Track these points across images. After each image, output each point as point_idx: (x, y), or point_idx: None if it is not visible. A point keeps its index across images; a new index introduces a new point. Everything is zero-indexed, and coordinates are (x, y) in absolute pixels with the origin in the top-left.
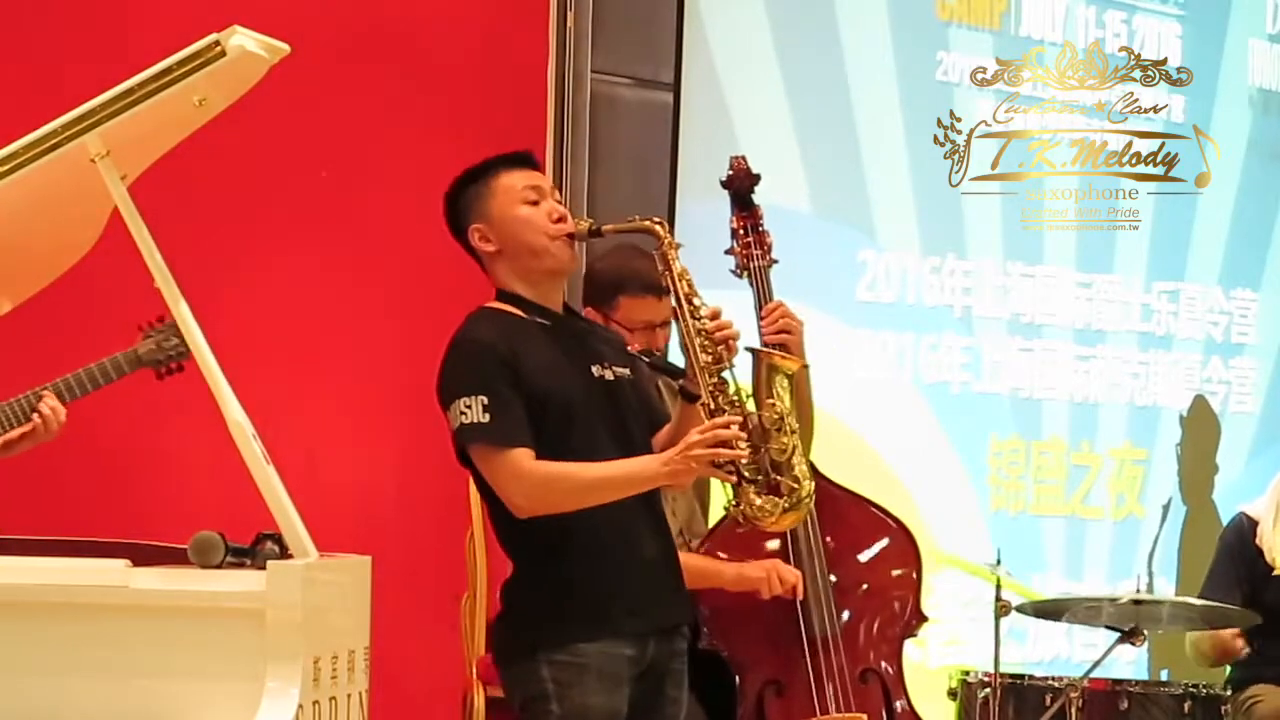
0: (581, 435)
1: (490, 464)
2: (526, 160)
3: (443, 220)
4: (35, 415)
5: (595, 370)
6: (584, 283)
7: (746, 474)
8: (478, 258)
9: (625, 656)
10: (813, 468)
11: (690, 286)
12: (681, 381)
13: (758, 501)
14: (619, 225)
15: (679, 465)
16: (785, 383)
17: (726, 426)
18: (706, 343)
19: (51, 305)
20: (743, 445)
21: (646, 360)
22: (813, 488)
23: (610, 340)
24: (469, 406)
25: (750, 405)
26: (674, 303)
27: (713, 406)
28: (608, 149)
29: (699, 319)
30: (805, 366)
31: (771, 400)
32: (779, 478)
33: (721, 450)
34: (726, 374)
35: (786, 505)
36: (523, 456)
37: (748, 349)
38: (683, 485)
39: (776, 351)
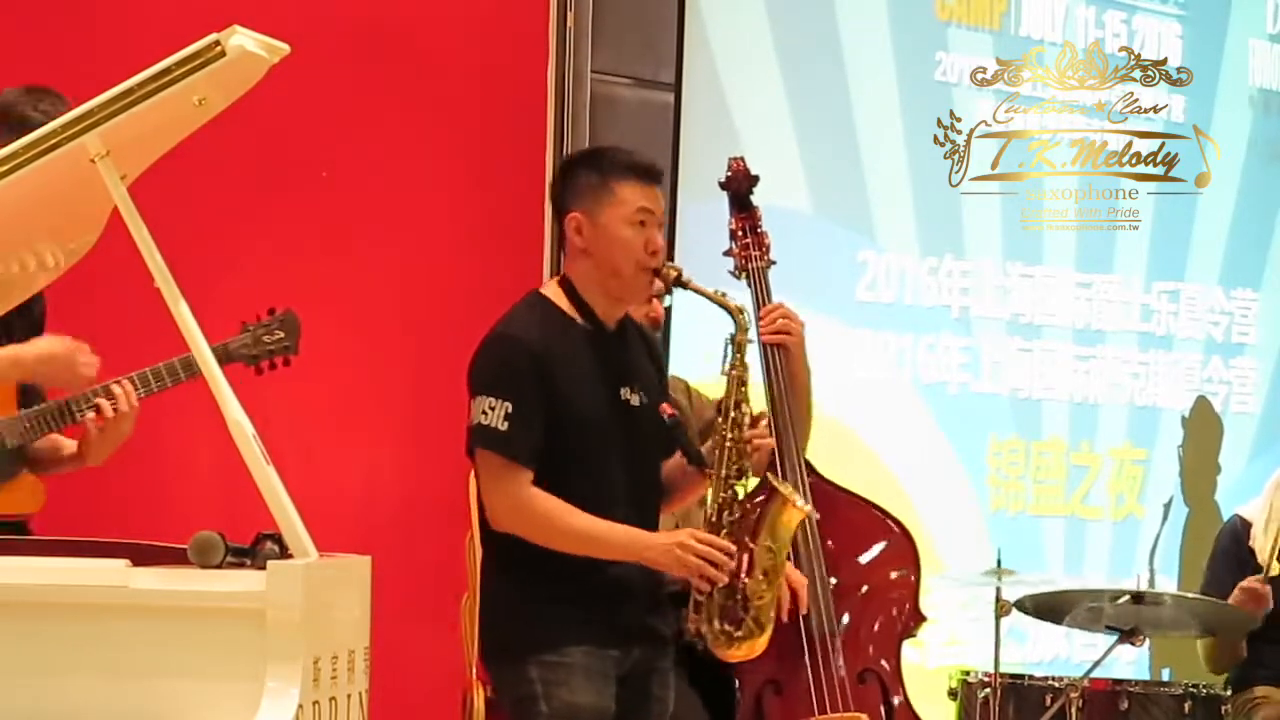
0: (591, 455)
1: (491, 472)
2: (653, 177)
3: (442, 219)
4: (101, 403)
5: (624, 393)
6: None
7: (717, 597)
8: (562, 237)
9: (611, 657)
10: (812, 469)
11: (745, 389)
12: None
13: (715, 625)
14: (705, 291)
15: (663, 558)
16: (786, 533)
17: (725, 552)
18: (735, 454)
19: (51, 305)
20: (725, 573)
21: (674, 430)
22: (767, 639)
23: (650, 365)
24: (491, 408)
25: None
26: (726, 398)
27: (715, 520)
28: None
29: (739, 427)
30: (811, 515)
31: (769, 544)
32: (743, 614)
33: (708, 569)
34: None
35: (739, 638)
36: (525, 477)
37: (769, 477)
38: (661, 569)
39: (793, 495)
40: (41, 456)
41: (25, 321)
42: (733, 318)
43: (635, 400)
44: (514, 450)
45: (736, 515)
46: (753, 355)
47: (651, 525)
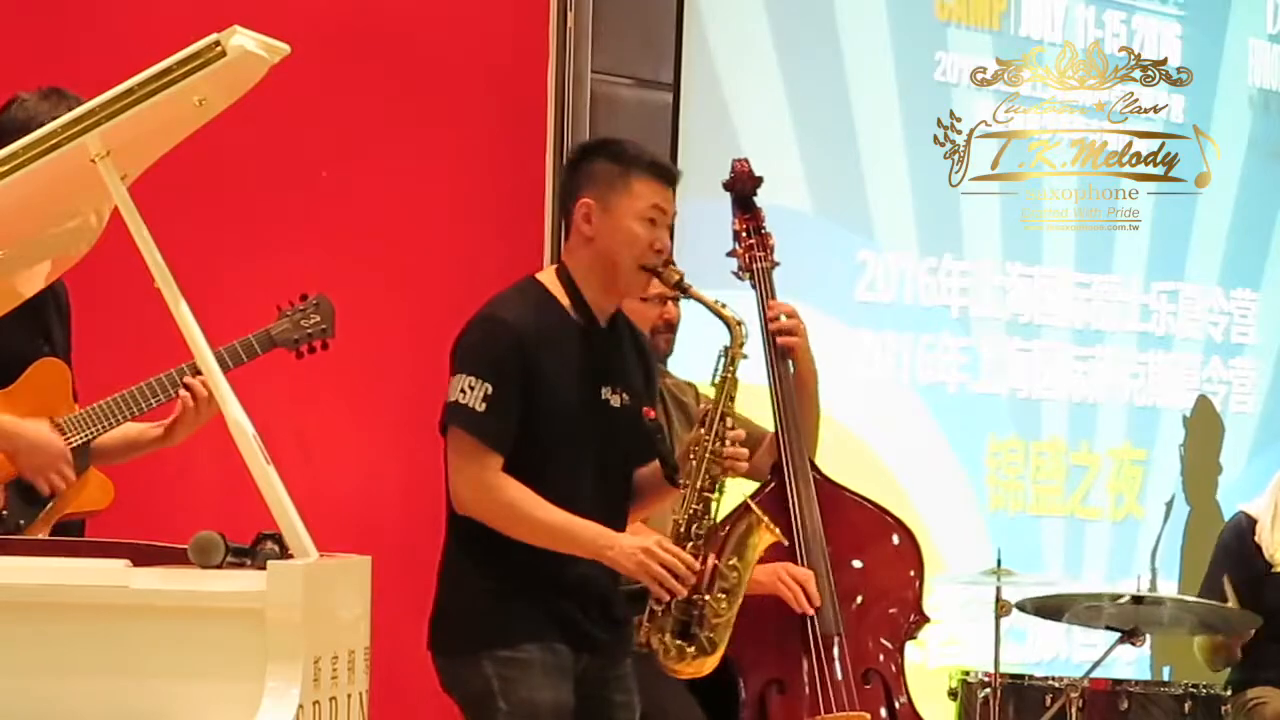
0: (561, 448)
1: (461, 452)
2: (670, 179)
3: (442, 220)
4: (182, 391)
5: (604, 392)
6: None
7: (674, 610)
8: (568, 220)
9: (567, 655)
10: (815, 468)
11: (732, 403)
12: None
13: (666, 639)
14: (705, 300)
15: (626, 561)
16: (754, 555)
17: (689, 566)
18: (713, 465)
19: None
20: (686, 587)
21: (653, 435)
22: (717, 660)
23: (637, 366)
24: (471, 388)
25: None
26: (711, 409)
27: (683, 530)
28: None
29: (721, 440)
30: (777, 542)
31: (734, 564)
32: (698, 630)
33: (669, 580)
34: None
35: (690, 654)
36: (495, 462)
37: (746, 500)
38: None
39: (765, 517)
40: (109, 448)
41: (61, 321)
42: (729, 329)
43: (616, 401)
44: (487, 433)
45: (705, 530)
46: (757, 357)
47: (618, 528)
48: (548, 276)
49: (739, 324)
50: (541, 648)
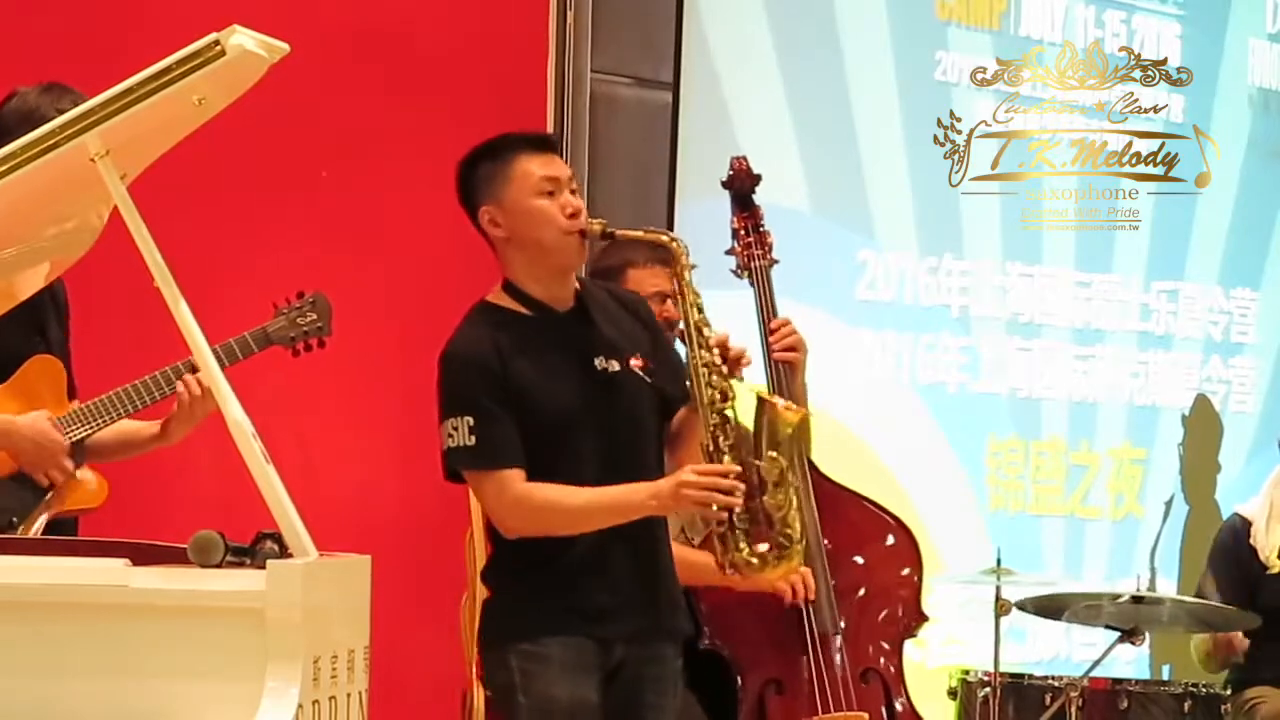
0: (569, 441)
1: (480, 487)
2: (547, 145)
3: (443, 220)
4: (179, 386)
5: (598, 363)
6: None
7: (739, 524)
8: (486, 238)
9: (591, 649)
10: (813, 466)
11: (701, 313)
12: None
13: (745, 553)
14: (634, 233)
15: (669, 501)
16: (789, 433)
17: (725, 475)
18: (714, 377)
19: None
20: (738, 496)
21: (651, 380)
22: (803, 546)
23: (624, 325)
24: (455, 429)
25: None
26: (683, 327)
27: (712, 448)
28: (607, 149)
29: (708, 349)
30: (807, 416)
31: (774, 454)
32: (770, 531)
33: (717, 496)
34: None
35: (775, 559)
36: (512, 478)
37: (756, 395)
38: (672, 512)
39: (782, 402)
40: (104, 446)
41: (58, 319)
42: (670, 250)
43: (614, 366)
44: (490, 457)
45: (732, 438)
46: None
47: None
48: (495, 293)
49: (673, 240)
50: (563, 644)
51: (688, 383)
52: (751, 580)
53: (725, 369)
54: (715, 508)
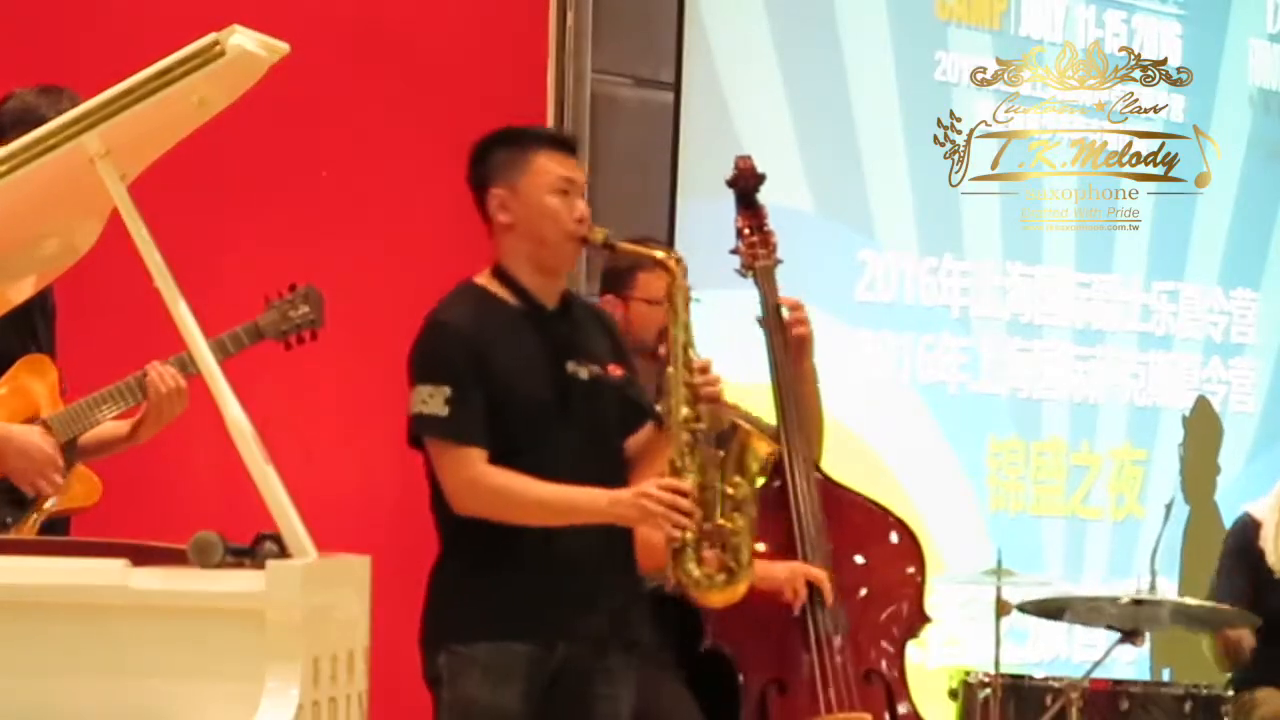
0: (536, 435)
1: (441, 458)
2: (569, 147)
3: (443, 220)
4: (153, 376)
5: (570, 367)
6: (601, 271)
7: (690, 543)
8: (487, 219)
9: (523, 654)
10: (816, 467)
11: (689, 334)
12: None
13: (694, 571)
14: (635, 247)
15: (628, 510)
16: (756, 465)
17: (685, 495)
18: (690, 397)
19: None
20: (695, 516)
21: (625, 390)
22: (750, 577)
23: (601, 337)
24: (431, 396)
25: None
26: (671, 346)
27: (678, 465)
28: (608, 149)
29: (690, 371)
30: (778, 450)
31: (739, 479)
32: (723, 554)
33: (674, 514)
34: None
35: (722, 583)
36: (476, 457)
37: (731, 423)
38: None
39: (755, 431)
40: (85, 447)
41: (46, 322)
42: (665, 267)
43: (585, 373)
44: (460, 431)
45: (700, 458)
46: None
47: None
48: (484, 277)
49: (676, 259)
50: (492, 648)
51: (663, 399)
52: (701, 597)
53: (699, 393)
54: (669, 526)
